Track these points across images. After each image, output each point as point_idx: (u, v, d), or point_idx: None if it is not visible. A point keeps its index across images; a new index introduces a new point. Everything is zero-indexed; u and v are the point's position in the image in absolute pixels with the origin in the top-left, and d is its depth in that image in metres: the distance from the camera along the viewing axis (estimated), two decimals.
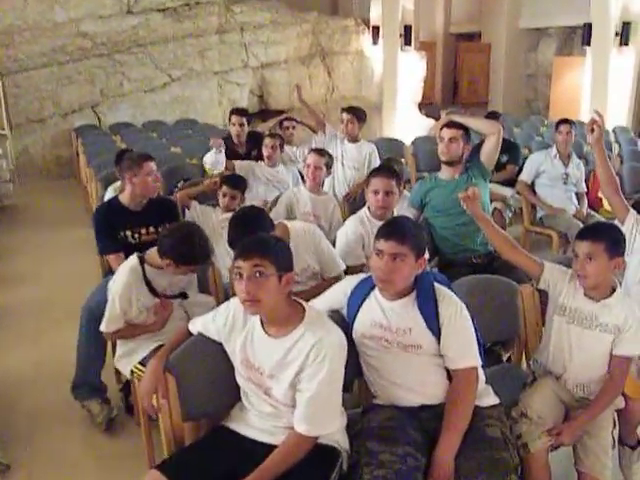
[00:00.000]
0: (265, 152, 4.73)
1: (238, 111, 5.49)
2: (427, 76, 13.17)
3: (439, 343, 2.17)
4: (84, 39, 9.57)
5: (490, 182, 3.92)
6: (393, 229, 2.21)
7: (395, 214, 3.33)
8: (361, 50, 11.97)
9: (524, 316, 2.73)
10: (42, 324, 4.47)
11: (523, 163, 5.61)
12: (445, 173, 3.73)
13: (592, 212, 5.35)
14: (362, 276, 2.38)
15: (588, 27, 11.23)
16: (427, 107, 12.63)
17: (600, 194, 5.56)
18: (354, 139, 5.03)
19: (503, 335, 2.89)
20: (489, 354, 2.93)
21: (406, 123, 11.71)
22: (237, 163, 4.82)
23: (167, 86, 10.56)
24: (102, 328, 2.75)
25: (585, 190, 5.40)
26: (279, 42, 11.35)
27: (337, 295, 2.42)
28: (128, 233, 3.35)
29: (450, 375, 2.20)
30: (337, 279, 2.80)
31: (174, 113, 10.50)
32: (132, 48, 10.05)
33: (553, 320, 2.49)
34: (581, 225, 4.63)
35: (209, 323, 2.25)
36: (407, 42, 11.96)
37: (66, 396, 3.26)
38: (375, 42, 11.84)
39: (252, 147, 5.28)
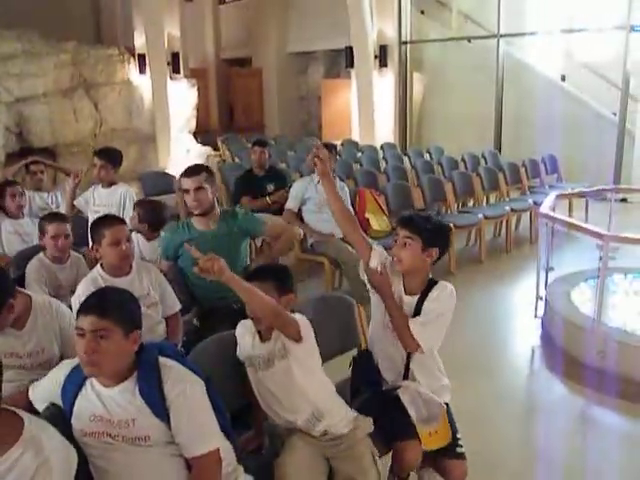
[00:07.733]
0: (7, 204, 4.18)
1: None
2: (201, 103, 12.89)
3: (170, 429, 1.86)
4: None
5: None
6: (93, 303, 1.90)
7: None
8: (128, 80, 11.32)
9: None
10: None
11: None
12: (198, 223, 3.42)
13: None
14: (77, 361, 1.99)
15: (349, 50, 11.79)
16: (204, 135, 12.35)
17: (367, 214, 5.66)
18: (109, 184, 4.60)
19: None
20: None
21: (182, 153, 11.35)
22: None
23: None
24: None
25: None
26: (35, 74, 10.32)
27: (51, 386, 2.01)
28: None
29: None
30: None
31: None
32: None
33: None
34: (350, 249, 4.60)
35: None
36: (176, 70, 11.60)
37: None
38: (142, 71, 11.30)
39: None
